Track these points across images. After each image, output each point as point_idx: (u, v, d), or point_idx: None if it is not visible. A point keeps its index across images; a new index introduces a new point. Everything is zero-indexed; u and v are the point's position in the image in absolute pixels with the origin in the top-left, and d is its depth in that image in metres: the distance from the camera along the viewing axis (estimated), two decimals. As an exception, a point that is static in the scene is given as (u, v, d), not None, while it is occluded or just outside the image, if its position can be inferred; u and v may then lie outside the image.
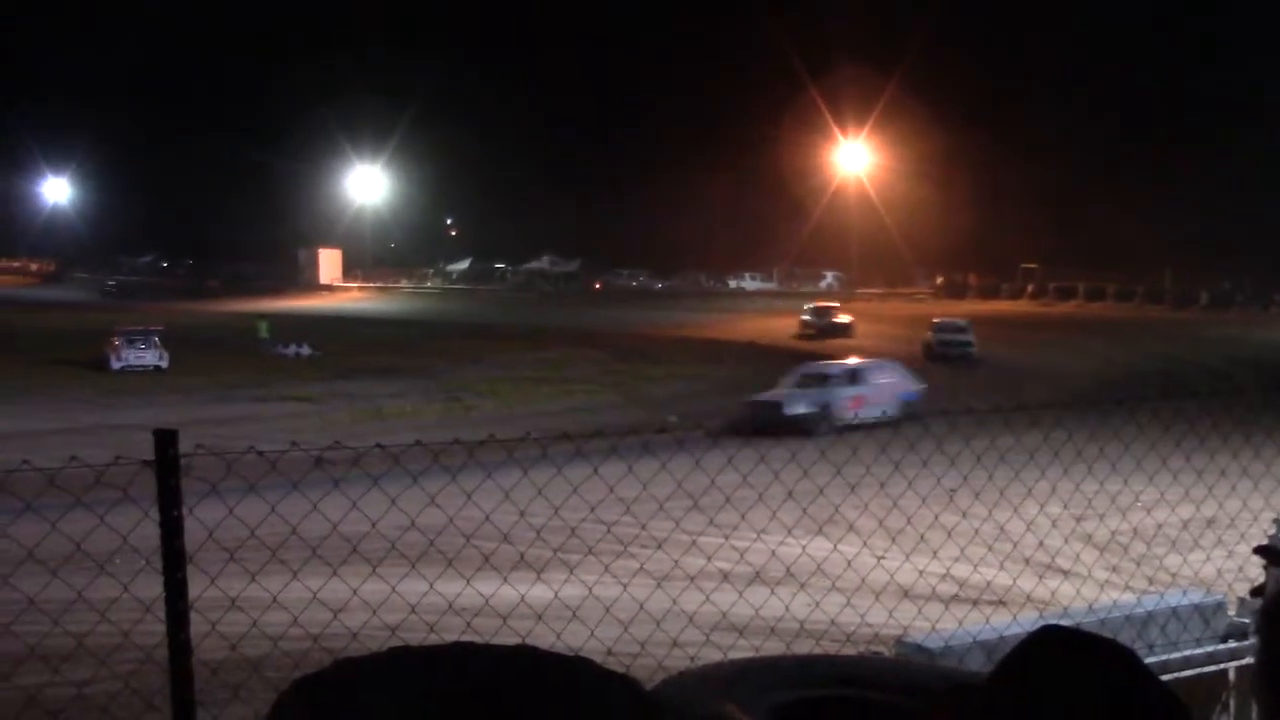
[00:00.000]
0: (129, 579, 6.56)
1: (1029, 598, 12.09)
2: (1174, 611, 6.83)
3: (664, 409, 30.72)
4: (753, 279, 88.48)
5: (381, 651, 2.20)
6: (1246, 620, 6.76)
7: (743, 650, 5.35)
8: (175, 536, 3.55)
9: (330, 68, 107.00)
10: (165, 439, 3.56)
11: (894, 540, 13.49)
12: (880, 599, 11.28)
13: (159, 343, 43.75)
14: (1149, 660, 4.23)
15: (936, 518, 10.09)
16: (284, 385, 38.09)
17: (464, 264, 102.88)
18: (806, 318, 56.83)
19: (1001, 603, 11.30)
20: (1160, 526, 12.78)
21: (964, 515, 11.27)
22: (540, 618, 6.94)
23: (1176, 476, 8.46)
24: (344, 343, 51.63)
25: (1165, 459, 8.48)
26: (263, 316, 56.44)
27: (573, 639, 5.75)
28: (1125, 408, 7.17)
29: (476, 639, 2.30)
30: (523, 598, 8.27)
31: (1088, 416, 6.88)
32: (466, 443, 6.71)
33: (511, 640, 2.32)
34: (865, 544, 12.80)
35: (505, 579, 9.79)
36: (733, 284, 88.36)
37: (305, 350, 48.45)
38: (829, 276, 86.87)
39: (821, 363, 32.75)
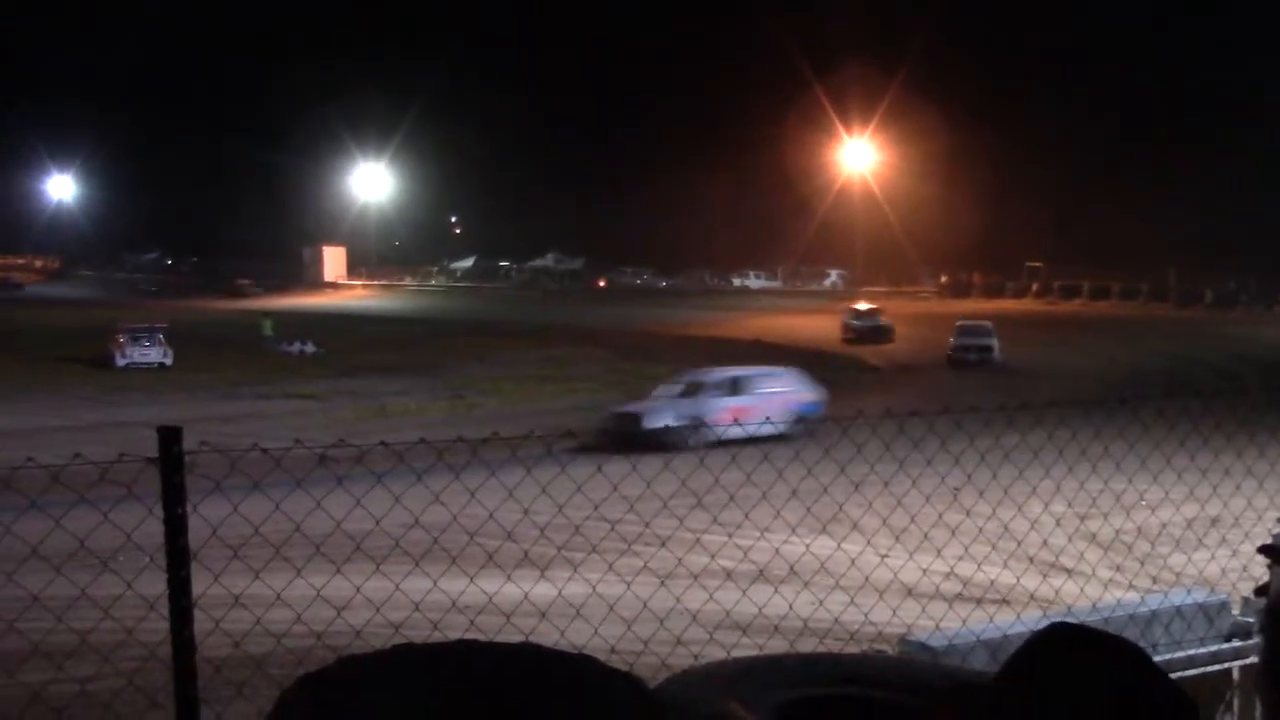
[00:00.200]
0: (132, 576, 6.55)
1: (1033, 596, 12.09)
2: (1178, 610, 6.83)
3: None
4: (757, 277, 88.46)
5: (385, 649, 2.20)
6: (1251, 619, 6.75)
7: (746, 648, 5.34)
8: (179, 533, 3.55)
9: (334, 65, 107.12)
10: (169, 436, 3.55)
11: (898, 539, 13.49)
12: (884, 597, 11.28)
13: (163, 340, 43.79)
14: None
15: (940, 516, 10.08)
16: (288, 383, 38.13)
17: (468, 262, 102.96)
18: (849, 320, 53.36)
19: (1005, 601, 11.30)
20: (1164, 525, 12.77)
21: (968, 514, 11.27)
22: (544, 615, 6.94)
23: (1181, 475, 8.46)
24: (348, 340, 51.67)
25: (1170, 457, 8.47)
26: (267, 314, 56.50)
27: (576, 637, 5.75)
28: (1129, 406, 7.15)
29: (480, 637, 2.30)
30: (526, 595, 8.28)
31: (1092, 415, 6.87)
32: (470, 440, 6.71)
33: (515, 638, 2.32)
34: (869, 542, 12.83)
35: (509, 577, 9.82)
36: (737, 282, 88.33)
37: (309, 348, 48.52)
38: (833, 275, 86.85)
39: (704, 370, 29.96)
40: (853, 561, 10.25)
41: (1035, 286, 74.99)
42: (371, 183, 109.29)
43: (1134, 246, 69.54)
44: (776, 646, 7.28)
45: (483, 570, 9.48)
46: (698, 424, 24.18)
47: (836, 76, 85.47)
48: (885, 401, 26.37)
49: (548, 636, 3.26)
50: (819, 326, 57.72)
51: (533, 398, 35.14)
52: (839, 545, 12.03)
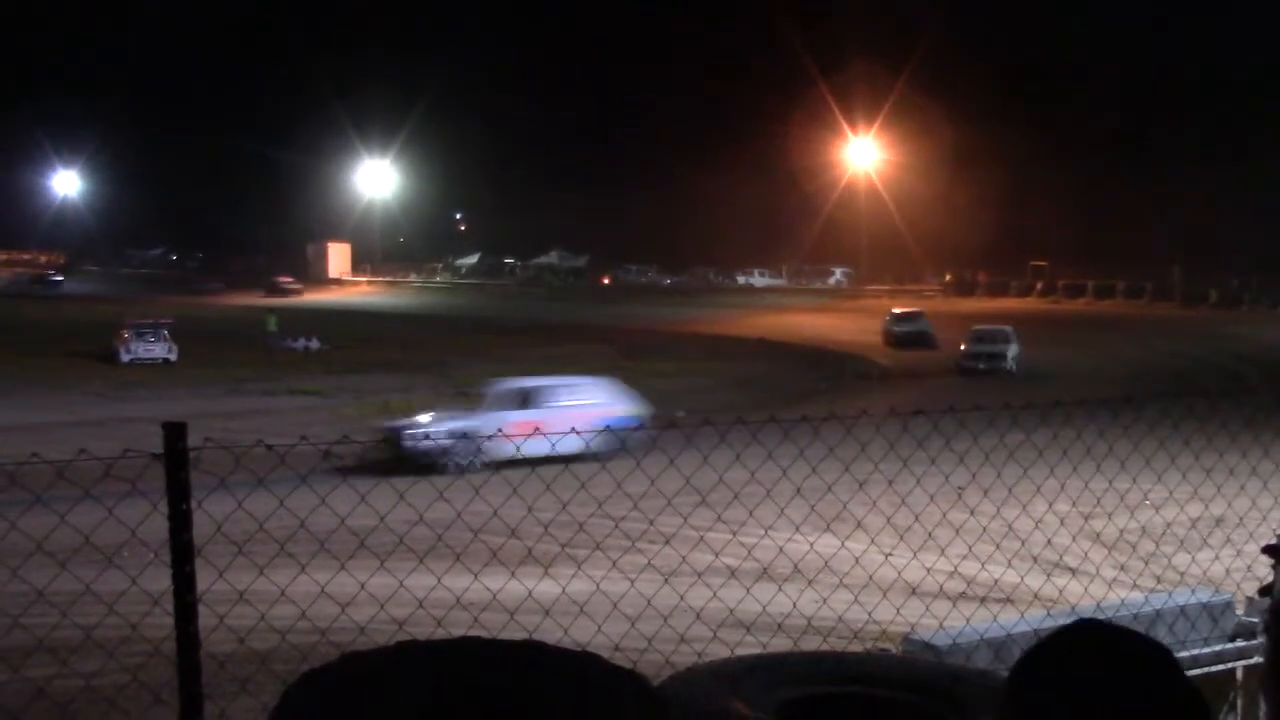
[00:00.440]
0: (137, 572, 6.58)
1: (1036, 596, 12.09)
2: (1182, 610, 6.83)
3: (673, 404, 30.71)
4: (761, 275, 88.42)
5: (389, 645, 2.20)
6: (1254, 619, 6.75)
7: (750, 647, 5.35)
8: (184, 529, 3.55)
9: (340, 62, 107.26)
10: (174, 432, 3.56)
11: (901, 537, 13.49)
12: (887, 596, 11.29)
13: (168, 336, 43.85)
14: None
15: (944, 515, 10.06)
16: (293, 379, 38.16)
17: (473, 259, 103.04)
18: (890, 326, 49.22)
19: (1009, 600, 11.29)
20: (1168, 525, 12.75)
21: (972, 513, 11.25)
22: (547, 613, 6.94)
23: (1185, 475, 8.43)
24: (352, 337, 51.73)
25: (1174, 457, 8.46)
26: (271, 310, 56.57)
27: (580, 634, 5.74)
28: (1134, 405, 7.14)
29: (484, 634, 2.30)
30: (530, 593, 8.27)
31: (1096, 414, 6.86)
32: (475, 437, 6.71)
33: (519, 635, 2.32)
34: (873, 541, 12.81)
35: (513, 574, 9.81)
36: (741, 280, 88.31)
37: (314, 344, 48.58)
38: (837, 273, 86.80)
39: (509, 380, 26.85)
40: (856, 560, 10.24)
41: (1040, 285, 74.94)
42: (377, 179, 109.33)
43: (1139, 245, 69.54)
44: (780, 645, 7.29)
45: (486, 567, 9.49)
46: (472, 441, 20.68)
47: (841, 74, 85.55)
48: (887, 401, 26.34)
49: (551, 634, 3.27)
50: (823, 324, 57.73)
51: (537, 395, 35.09)
52: (843, 543, 11.97)
